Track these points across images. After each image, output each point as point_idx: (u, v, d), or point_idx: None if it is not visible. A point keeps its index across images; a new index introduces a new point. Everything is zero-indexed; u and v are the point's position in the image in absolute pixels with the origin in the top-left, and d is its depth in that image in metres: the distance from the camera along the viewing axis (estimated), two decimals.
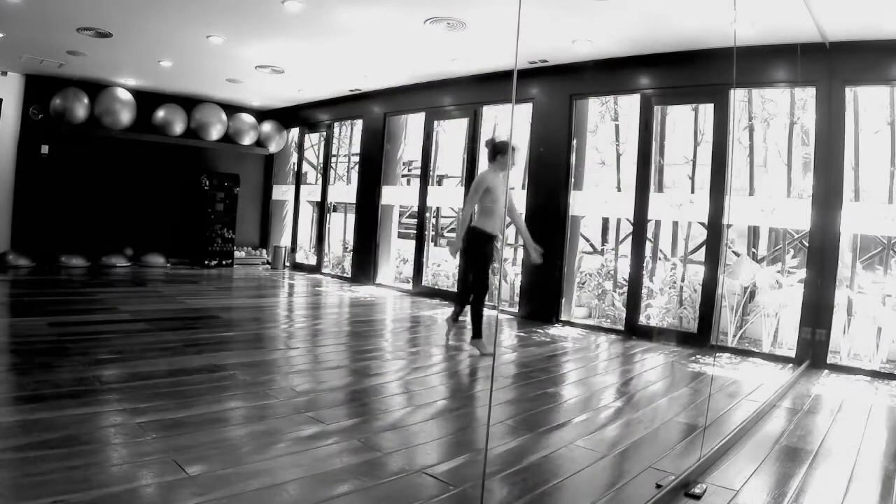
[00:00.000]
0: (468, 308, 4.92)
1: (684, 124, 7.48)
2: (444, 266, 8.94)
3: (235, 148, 10.03)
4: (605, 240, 8.48)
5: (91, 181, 8.87)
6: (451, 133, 10.22)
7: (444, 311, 7.00)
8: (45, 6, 5.41)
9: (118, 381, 3.49)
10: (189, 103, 9.44)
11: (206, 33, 6.07)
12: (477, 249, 4.71)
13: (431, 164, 8.65)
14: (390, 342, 5.52)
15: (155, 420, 2.88)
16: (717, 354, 5.44)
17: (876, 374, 4.85)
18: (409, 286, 8.48)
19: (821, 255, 5.10)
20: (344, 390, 3.77)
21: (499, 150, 4.71)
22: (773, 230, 7.05)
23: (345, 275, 9.54)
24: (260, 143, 10.23)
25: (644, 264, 6.34)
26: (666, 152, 7.00)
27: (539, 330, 6.14)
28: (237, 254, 10.34)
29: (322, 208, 10.01)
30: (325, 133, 10.07)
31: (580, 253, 7.00)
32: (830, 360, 5.11)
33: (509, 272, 8.10)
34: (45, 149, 8.48)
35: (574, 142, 6.65)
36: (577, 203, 6.66)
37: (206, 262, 9.69)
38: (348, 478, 2.44)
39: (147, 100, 8.99)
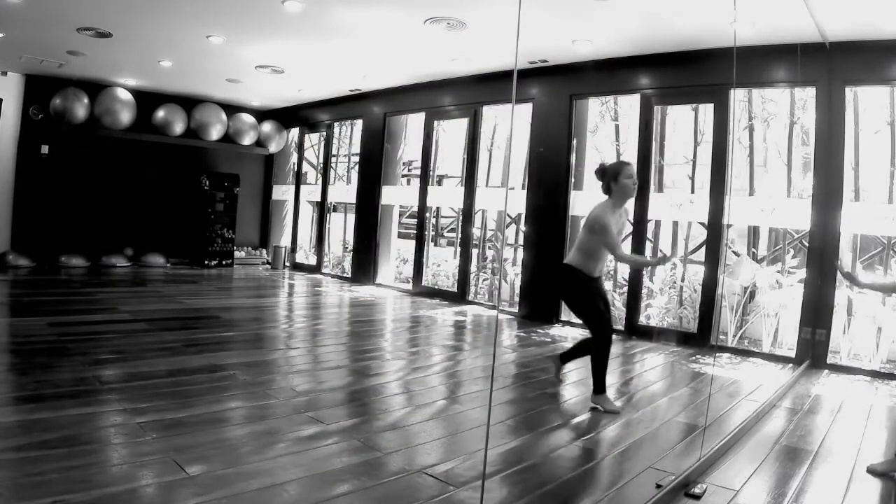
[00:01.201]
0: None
1: (684, 124, 7.48)
2: (444, 266, 8.95)
3: (235, 148, 10.03)
4: None
5: (91, 181, 8.87)
6: (451, 133, 10.23)
7: (444, 310, 7.01)
8: (45, 6, 5.41)
9: (118, 381, 3.49)
10: (189, 103, 9.44)
11: (206, 33, 6.07)
12: (574, 289, 3.69)
13: (431, 164, 8.65)
14: (390, 342, 5.52)
15: (155, 420, 2.88)
16: (717, 354, 5.44)
17: (876, 374, 4.85)
18: (409, 286, 8.48)
19: (821, 255, 5.10)
20: (344, 390, 3.77)
21: (613, 176, 3.61)
22: (773, 230, 7.05)
23: (345, 275, 9.54)
24: (260, 143, 10.23)
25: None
26: (666, 152, 7.00)
27: (539, 330, 6.14)
28: (237, 254, 10.34)
29: (322, 208, 10.01)
30: (325, 133, 10.07)
31: None
32: (830, 360, 5.11)
33: (509, 272, 8.10)
34: (45, 149, 8.48)
35: (574, 142, 6.65)
36: (577, 203, 6.66)
37: (206, 262, 9.68)
38: (348, 478, 2.44)
39: (147, 100, 8.99)
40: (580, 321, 3.99)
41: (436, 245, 11.14)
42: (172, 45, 6.59)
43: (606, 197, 3.65)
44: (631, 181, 3.58)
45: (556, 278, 3.82)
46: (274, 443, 2.75)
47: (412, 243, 8.60)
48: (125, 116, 8.65)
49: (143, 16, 5.58)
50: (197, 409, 3.08)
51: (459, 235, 8.21)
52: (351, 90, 8.79)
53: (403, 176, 10.35)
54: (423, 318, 6.55)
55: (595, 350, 3.63)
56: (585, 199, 6.69)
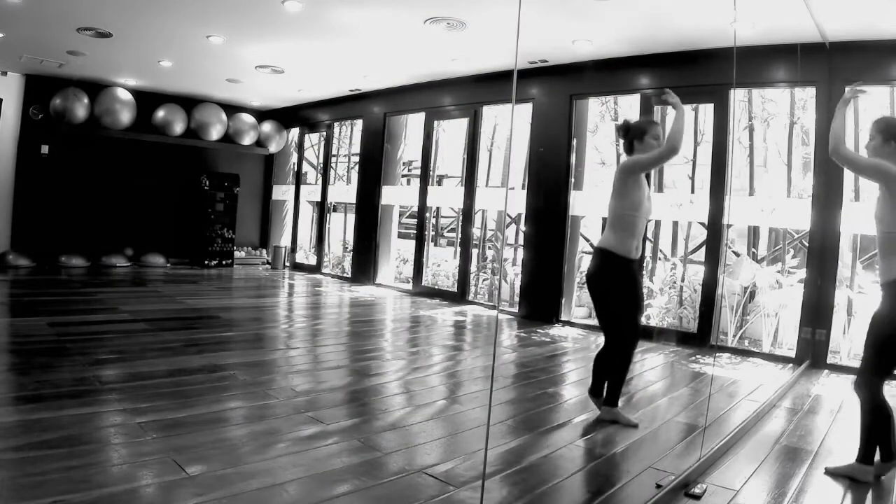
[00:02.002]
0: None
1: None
2: (443, 266, 8.95)
3: (235, 148, 10.03)
4: None
5: (91, 181, 8.86)
6: (451, 133, 10.23)
7: (444, 310, 7.01)
8: (45, 6, 5.41)
9: (118, 381, 3.49)
10: (189, 103, 9.44)
11: (206, 33, 6.07)
12: (607, 280, 3.28)
13: (431, 164, 8.65)
14: (390, 342, 5.52)
15: (155, 420, 2.88)
16: (717, 354, 5.44)
17: None
18: (409, 286, 8.48)
19: (821, 255, 5.10)
20: (344, 390, 3.77)
21: (638, 134, 3.26)
22: (773, 230, 7.05)
23: (345, 275, 9.54)
24: (260, 143, 10.22)
25: (644, 264, 6.33)
26: None
27: (539, 330, 6.14)
28: (237, 254, 10.33)
29: (322, 208, 10.01)
30: (325, 133, 10.07)
31: (580, 253, 7.01)
32: (830, 360, 5.11)
33: (509, 272, 8.10)
34: (45, 149, 8.48)
35: (574, 142, 6.65)
36: (577, 203, 6.66)
37: (206, 262, 9.68)
38: (348, 478, 2.44)
39: (147, 100, 8.99)
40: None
41: (436, 245, 11.14)
42: (172, 45, 6.59)
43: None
44: (658, 142, 3.22)
45: (591, 265, 3.36)
46: (274, 443, 2.75)
47: (412, 243, 8.60)
48: (125, 116, 8.65)
49: (143, 16, 5.58)
50: (197, 409, 3.08)
51: (459, 235, 8.21)
52: (351, 90, 8.79)
53: (403, 176, 10.35)
54: (423, 318, 6.55)
55: (600, 353, 3.39)
56: (585, 199, 6.70)
